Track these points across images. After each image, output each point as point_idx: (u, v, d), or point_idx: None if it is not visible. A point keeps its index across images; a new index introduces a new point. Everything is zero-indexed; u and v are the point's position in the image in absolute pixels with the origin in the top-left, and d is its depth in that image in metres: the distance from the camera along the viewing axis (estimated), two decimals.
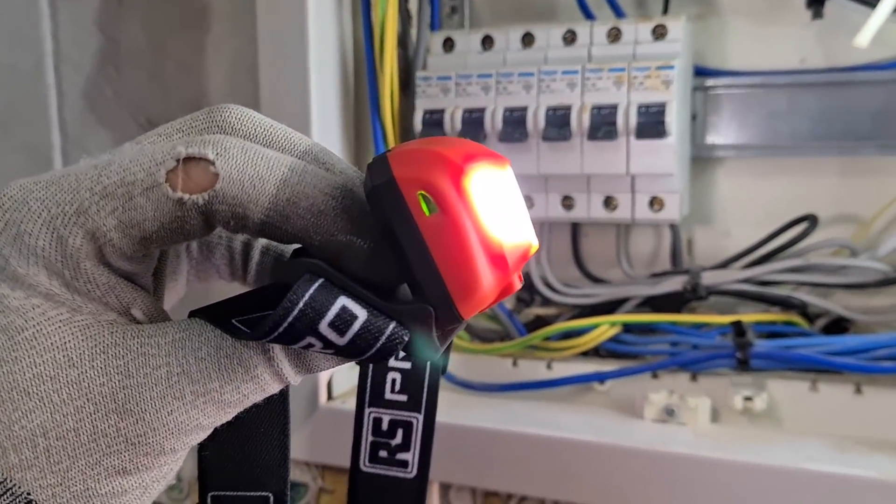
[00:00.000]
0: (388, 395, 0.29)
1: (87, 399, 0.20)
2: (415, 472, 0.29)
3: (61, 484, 0.21)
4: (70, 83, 0.71)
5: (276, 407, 0.26)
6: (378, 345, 0.20)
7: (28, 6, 0.70)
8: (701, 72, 0.57)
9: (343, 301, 0.19)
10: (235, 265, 0.27)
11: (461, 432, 0.56)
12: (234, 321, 0.21)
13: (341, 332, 0.19)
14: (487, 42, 0.57)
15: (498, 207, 0.20)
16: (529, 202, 0.57)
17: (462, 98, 0.56)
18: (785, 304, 0.55)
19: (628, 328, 0.58)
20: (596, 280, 0.61)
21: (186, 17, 0.66)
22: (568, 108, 0.53)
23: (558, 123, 0.53)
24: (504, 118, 0.54)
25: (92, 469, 0.21)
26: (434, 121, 0.56)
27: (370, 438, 0.29)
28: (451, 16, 0.64)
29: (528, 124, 0.54)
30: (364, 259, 0.20)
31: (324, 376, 0.59)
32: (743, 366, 0.53)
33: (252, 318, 0.21)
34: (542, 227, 0.61)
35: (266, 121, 0.22)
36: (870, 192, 0.55)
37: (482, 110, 0.55)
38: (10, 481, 0.20)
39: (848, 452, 0.50)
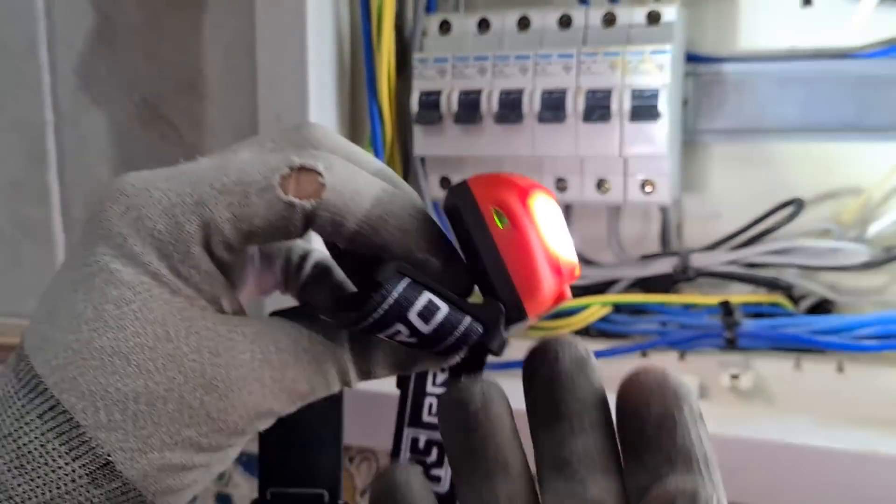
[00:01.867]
0: (426, 418, 0.33)
1: (179, 371, 0.22)
2: (448, 486, 0.32)
3: (140, 449, 0.22)
4: (64, 61, 0.71)
5: (332, 413, 0.30)
6: (457, 334, 0.23)
7: None
8: (692, 58, 0.58)
9: (429, 295, 0.22)
10: (290, 275, 0.29)
11: None
12: (321, 315, 0.24)
13: (426, 321, 0.22)
14: (483, 25, 0.58)
15: (553, 228, 0.24)
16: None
17: (459, 80, 0.57)
18: (771, 285, 0.57)
19: (619, 308, 0.59)
20: (587, 262, 0.62)
21: None
22: (563, 91, 0.54)
23: (553, 106, 0.54)
24: (500, 100, 0.55)
25: (171, 438, 0.22)
26: (430, 102, 0.57)
27: (408, 456, 0.33)
28: None
29: (524, 106, 0.55)
30: (435, 275, 0.23)
31: None
32: (730, 345, 0.54)
33: (340, 312, 0.23)
34: None
35: (345, 141, 0.25)
36: (855, 177, 0.56)
37: (478, 92, 0.56)
38: (94, 441, 0.22)
39: (830, 428, 0.51)
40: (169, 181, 0.23)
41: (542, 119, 0.54)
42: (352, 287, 0.29)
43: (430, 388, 0.33)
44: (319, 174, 0.22)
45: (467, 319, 0.23)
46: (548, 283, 0.23)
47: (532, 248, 0.23)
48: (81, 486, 0.22)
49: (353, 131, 0.64)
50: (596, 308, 0.59)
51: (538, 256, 0.23)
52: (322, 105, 0.60)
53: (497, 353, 0.24)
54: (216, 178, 0.23)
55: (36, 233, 0.73)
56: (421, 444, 0.32)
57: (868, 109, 0.54)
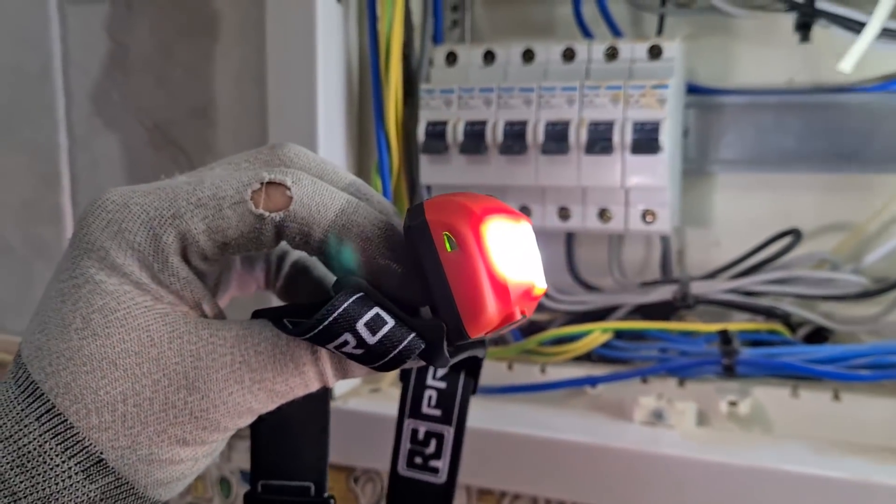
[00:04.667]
0: (425, 410, 0.34)
1: (164, 374, 0.24)
2: (444, 478, 0.34)
3: (130, 447, 0.24)
4: (78, 86, 0.72)
5: (319, 409, 0.31)
6: (400, 347, 0.24)
7: (37, 10, 0.71)
8: (693, 89, 0.59)
9: (377, 310, 0.24)
10: (270, 275, 0.31)
11: None
12: (285, 321, 0.25)
13: (373, 332, 0.24)
14: (489, 57, 0.59)
15: (507, 252, 0.24)
16: (527, 212, 0.59)
17: (464, 111, 0.58)
18: (769, 313, 0.58)
19: (619, 334, 0.60)
20: (589, 287, 0.63)
21: (195, 24, 0.67)
22: (566, 123, 0.55)
23: (557, 137, 0.55)
24: (504, 131, 0.56)
25: (158, 436, 0.24)
26: (437, 132, 0.58)
27: (408, 446, 0.34)
28: (452, 28, 0.66)
29: (528, 137, 0.56)
30: (397, 280, 0.25)
31: None
32: (729, 372, 0.55)
33: (301, 320, 0.24)
34: (538, 237, 0.63)
35: (318, 158, 0.27)
36: (852, 208, 0.57)
37: (483, 123, 0.57)
38: (88, 440, 0.23)
39: (825, 455, 0.52)
40: (147, 196, 0.24)
41: (545, 150, 0.55)
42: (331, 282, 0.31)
43: (430, 381, 0.34)
44: (287, 188, 0.24)
45: (410, 336, 0.24)
46: (491, 306, 0.24)
47: (477, 273, 0.24)
48: (78, 482, 0.23)
49: (360, 159, 0.65)
50: (597, 334, 0.60)
51: (483, 281, 0.24)
52: (330, 133, 0.61)
53: (438, 367, 0.26)
54: (192, 192, 0.24)
55: (48, 253, 0.75)
56: (420, 436, 0.34)
57: (864, 142, 0.56)
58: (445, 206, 0.25)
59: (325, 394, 0.31)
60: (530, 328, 0.64)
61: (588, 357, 0.61)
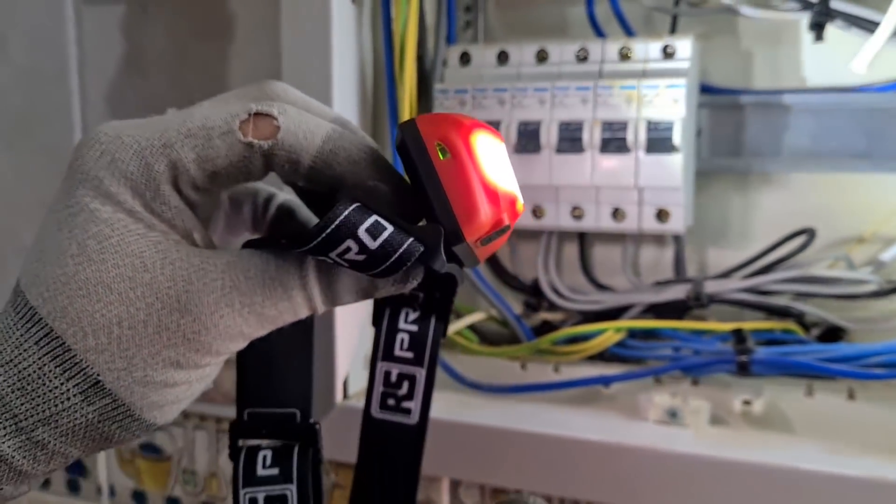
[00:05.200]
0: (397, 352, 0.35)
1: (157, 298, 0.25)
2: (417, 419, 0.35)
3: (126, 369, 0.24)
4: (93, 87, 0.73)
5: (303, 340, 0.32)
6: (401, 251, 0.25)
7: (53, 12, 0.72)
8: (706, 89, 0.59)
9: (376, 217, 0.25)
10: (258, 216, 0.32)
11: (471, 431, 0.58)
12: (283, 241, 0.26)
13: (374, 237, 0.24)
14: (503, 57, 0.60)
15: (494, 162, 0.26)
16: (541, 211, 0.59)
17: (478, 111, 0.58)
18: (783, 312, 0.58)
19: (633, 334, 0.61)
20: (602, 287, 0.64)
21: (210, 25, 0.68)
22: (580, 123, 0.55)
23: (571, 137, 0.56)
24: (519, 131, 0.57)
25: (153, 358, 0.25)
26: None
27: (381, 389, 0.35)
28: (465, 29, 0.66)
29: (542, 137, 0.56)
30: (387, 199, 0.26)
31: (340, 376, 0.61)
32: (743, 371, 0.55)
33: (299, 236, 0.25)
34: (552, 236, 0.63)
35: (303, 95, 0.28)
36: (865, 207, 0.57)
37: (498, 123, 0.57)
38: (85, 362, 0.24)
39: (840, 454, 0.52)
40: (139, 128, 0.25)
41: (559, 150, 0.56)
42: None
43: (402, 325, 0.35)
44: (274, 118, 0.25)
45: (410, 239, 0.25)
46: (484, 209, 0.25)
47: (470, 178, 0.25)
48: (76, 404, 0.24)
49: None
50: (610, 333, 0.60)
51: (476, 185, 0.25)
52: None
53: (438, 270, 0.26)
54: (182, 124, 0.25)
55: None
56: (393, 378, 0.35)
57: (878, 141, 0.56)
58: (436, 119, 0.26)
59: (309, 324, 0.32)
60: (543, 327, 0.64)
61: (602, 356, 0.61)
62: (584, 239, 0.64)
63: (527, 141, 0.56)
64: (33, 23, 0.74)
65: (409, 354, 0.35)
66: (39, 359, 0.24)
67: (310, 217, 0.32)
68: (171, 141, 0.25)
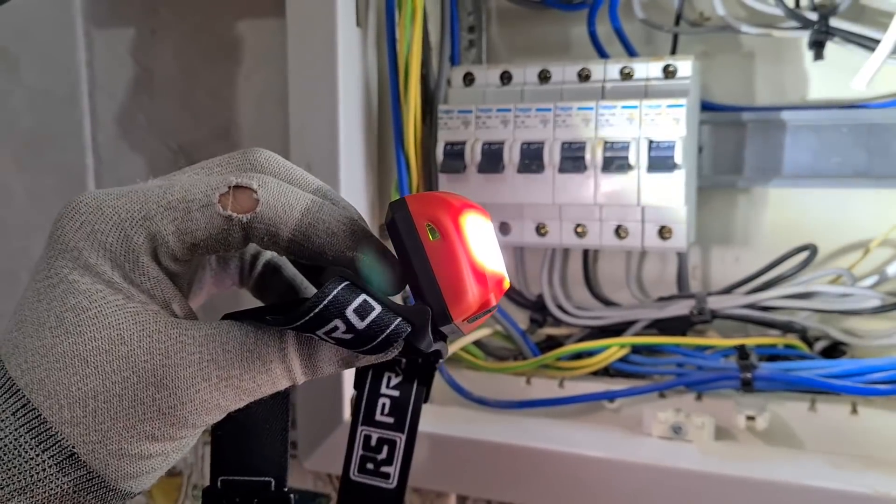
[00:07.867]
0: (378, 417, 0.35)
1: (133, 371, 0.25)
2: (395, 483, 0.35)
3: (101, 441, 0.25)
4: (104, 109, 0.74)
5: (280, 408, 0.32)
6: (388, 331, 0.25)
7: (64, 36, 0.73)
8: (708, 106, 0.60)
9: (364, 297, 0.25)
10: (244, 273, 0.33)
11: (477, 447, 0.59)
12: (267, 317, 0.26)
13: (362, 318, 0.25)
14: (506, 77, 0.60)
15: (482, 243, 0.27)
16: (544, 230, 0.60)
17: (482, 131, 0.59)
18: (786, 328, 0.58)
19: (637, 349, 0.61)
20: (606, 303, 0.64)
21: (218, 49, 0.69)
22: (583, 143, 0.56)
23: (573, 157, 0.56)
24: (522, 151, 0.57)
25: (128, 432, 0.25)
26: (455, 152, 0.59)
27: (360, 452, 0.35)
28: (468, 49, 0.67)
29: (545, 157, 0.57)
30: (367, 270, 0.26)
31: (347, 392, 0.62)
32: (746, 387, 0.56)
33: (286, 313, 0.25)
34: (556, 253, 0.64)
35: (287, 163, 0.28)
36: (867, 223, 0.58)
37: (501, 143, 0.58)
38: (60, 434, 0.24)
39: (843, 469, 0.53)
40: (119, 199, 0.26)
41: (562, 169, 0.56)
42: (302, 282, 0.32)
43: (384, 389, 0.35)
44: (254, 191, 0.25)
45: (398, 319, 0.25)
46: (472, 291, 0.26)
47: (459, 260, 0.26)
48: (51, 475, 0.24)
49: (381, 179, 0.66)
50: (615, 349, 0.60)
51: (465, 267, 0.26)
52: (351, 153, 0.62)
53: (424, 350, 0.27)
54: (162, 196, 0.25)
55: None
56: (373, 442, 0.35)
57: (879, 157, 0.56)
58: (426, 199, 0.26)
59: (286, 392, 0.32)
60: (548, 343, 0.64)
61: (606, 372, 0.62)
62: (587, 255, 0.64)
63: (530, 161, 0.57)
64: (45, 46, 0.75)
65: (390, 420, 0.35)
66: (16, 430, 0.24)
67: (295, 274, 0.33)
68: (151, 213, 0.25)
